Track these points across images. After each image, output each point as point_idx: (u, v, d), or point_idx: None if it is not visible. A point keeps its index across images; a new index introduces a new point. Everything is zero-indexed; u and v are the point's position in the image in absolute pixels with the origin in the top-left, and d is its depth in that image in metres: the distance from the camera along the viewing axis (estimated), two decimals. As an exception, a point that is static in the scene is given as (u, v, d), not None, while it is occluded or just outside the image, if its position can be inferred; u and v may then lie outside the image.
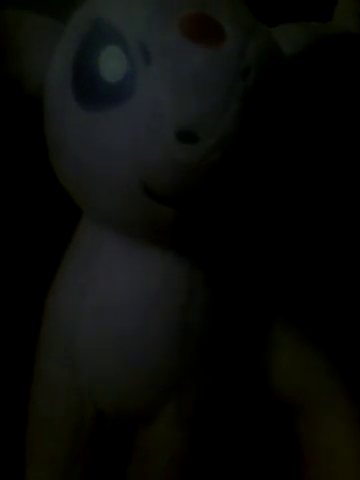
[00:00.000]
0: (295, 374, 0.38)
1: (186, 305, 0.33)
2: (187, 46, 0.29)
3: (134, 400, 0.34)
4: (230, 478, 0.39)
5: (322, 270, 0.46)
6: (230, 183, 0.29)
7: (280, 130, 0.31)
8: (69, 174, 0.32)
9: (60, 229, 0.37)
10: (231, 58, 0.29)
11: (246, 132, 0.29)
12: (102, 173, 0.30)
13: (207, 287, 0.34)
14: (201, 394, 0.35)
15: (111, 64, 0.29)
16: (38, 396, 0.36)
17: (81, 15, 0.32)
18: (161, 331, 0.33)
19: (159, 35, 0.29)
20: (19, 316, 0.43)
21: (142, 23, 0.29)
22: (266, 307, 0.39)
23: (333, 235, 0.46)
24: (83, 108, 0.30)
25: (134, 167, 0.29)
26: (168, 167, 0.28)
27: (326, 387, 0.39)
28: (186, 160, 0.28)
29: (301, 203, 0.43)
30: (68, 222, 0.36)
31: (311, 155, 0.39)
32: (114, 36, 0.30)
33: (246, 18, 0.32)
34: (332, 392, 0.39)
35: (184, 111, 0.28)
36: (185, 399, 0.35)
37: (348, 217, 0.46)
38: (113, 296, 0.33)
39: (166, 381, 0.34)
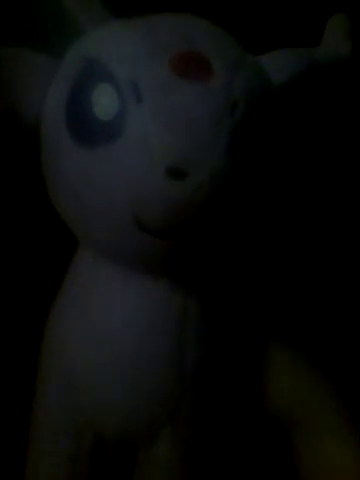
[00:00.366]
0: (291, 392, 0.39)
1: (180, 331, 0.34)
2: (176, 83, 0.30)
3: (132, 424, 0.35)
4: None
5: (316, 292, 0.47)
6: (221, 215, 0.30)
7: (271, 161, 0.32)
8: (65, 206, 0.33)
9: (59, 257, 0.38)
10: (219, 93, 0.30)
11: (236, 165, 0.30)
12: (96, 207, 0.31)
13: (201, 313, 0.35)
14: (197, 415, 0.36)
15: (103, 102, 0.30)
16: (37, 419, 0.37)
17: (74, 54, 0.33)
18: (156, 357, 0.34)
19: (150, 73, 0.30)
20: (19, 341, 0.44)
21: (133, 62, 0.30)
22: (261, 327, 0.40)
23: (327, 259, 0.47)
24: (77, 144, 0.31)
25: (126, 203, 0.30)
26: (159, 203, 0.29)
27: (323, 404, 0.39)
28: (176, 196, 0.29)
29: (293, 228, 0.44)
30: (66, 250, 0.37)
31: (305, 181, 0.40)
32: (106, 75, 0.31)
33: (234, 52, 0.33)
34: (329, 409, 0.39)
35: (173, 148, 0.29)
36: (182, 421, 0.36)
37: (342, 243, 0.47)
38: (109, 324, 0.34)
39: (163, 405, 0.35)
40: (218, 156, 0.29)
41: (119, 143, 0.30)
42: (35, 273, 0.44)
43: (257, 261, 0.42)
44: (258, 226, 0.33)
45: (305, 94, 0.37)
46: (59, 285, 0.37)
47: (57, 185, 0.33)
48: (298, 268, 0.46)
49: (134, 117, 0.30)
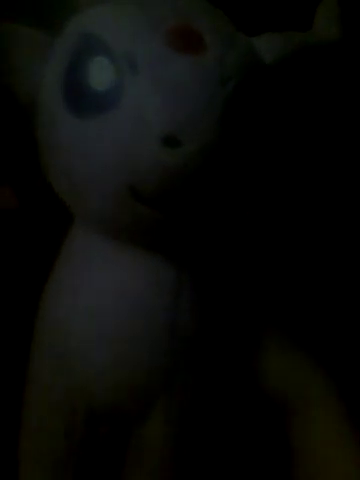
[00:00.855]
0: (286, 374, 0.39)
1: (173, 305, 0.35)
2: (170, 56, 0.31)
3: (125, 399, 0.35)
4: (222, 477, 0.40)
5: (312, 272, 0.47)
6: (214, 187, 0.31)
7: (261, 137, 0.33)
8: (60, 179, 0.34)
9: (53, 232, 0.39)
10: (211, 67, 0.31)
11: (227, 138, 0.30)
12: (91, 178, 0.31)
13: (194, 288, 0.35)
14: (190, 392, 0.36)
15: (99, 74, 0.31)
16: (31, 397, 0.37)
17: (71, 29, 0.34)
18: (148, 330, 0.34)
19: (145, 46, 0.31)
20: (14, 318, 0.44)
21: (128, 35, 0.31)
22: (256, 307, 0.40)
23: (322, 237, 0.47)
24: (73, 115, 0.31)
25: (121, 171, 0.30)
26: (154, 170, 0.30)
27: (317, 387, 0.40)
28: (171, 163, 0.29)
29: (288, 205, 0.44)
30: (61, 225, 0.37)
31: (296, 160, 0.40)
32: (102, 48, 0.31)
33: (227, 29, 0.33)
34: (322, 392, 0.40)
35: (168, 116, 0.29)
36: (175, 397, 0.36)
37: (336, 220, 0.48)
38: (102, 298, 0.34)
39: (156, 379, 0.35)
40: (209, 128, 0.30)
41: (115, 113, 0.30)
42: (30, 251, 0.45)
43: (252, 235, 0.42)
44: (252, 200, 0.34)
45: (295, 76, 0.38)
46: (53, 260, 0.37)
47: (53, 157, 0.33)
48: (294, 247, 0.46)
49: (130, 88, 0.30)
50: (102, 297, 0.34)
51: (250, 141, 0.32)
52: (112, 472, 0.38)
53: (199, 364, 0.37)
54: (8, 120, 0.37)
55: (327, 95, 0.40)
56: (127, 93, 0.30)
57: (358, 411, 0.39)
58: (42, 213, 0.44)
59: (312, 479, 0.38)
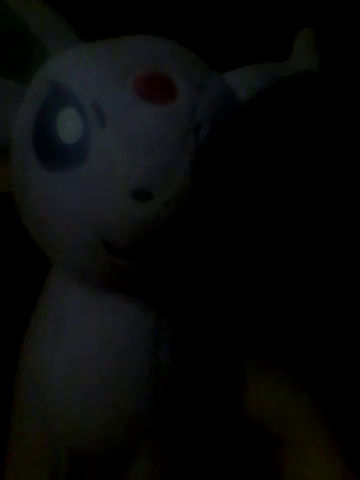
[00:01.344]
0: (272, 404, 0.39)
1: (154, 352, 0.34)
2: (139, 105, 0.30)
3: (109, 445, 0.35)
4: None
5: (292, 299, 0.47)
6: (188, 234, 0.30)
7: (237, 179, 0.32)
8: (34, 230, 0.33)
9: (32, 279, 0.38)
10: (182, 114, 0.30)
11: (200, 185, 0.30)
12: (63, 231, 0.31)
13: (175, 330, 0.35)
14: (176, 430, 0.36)
15: (68, 126, 0.31)
16: (13, 446, 0.37)
17: (40, 78, 0.33)
18: (130, 378, 0.34)
19: (113, 96, 0.30)
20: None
21: (96, 85, 0.31)
22: (238, 339, 0.40)
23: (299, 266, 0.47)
24: (44, 168, 0.31)
25: (93, 226, 0.30)
26: (125, 224, 0.29)
27: (304, 417, 0.39)
28: (142, 216, 0.29)
29: (266, 241, 0.44)
30: (40, 272, 0.37)
31: (276, 196, 0.40)
32: (70, 99, 0.31)
33: (198, 72, 0.33)
34: (310, 422, 0.39)
35: (137, 170, 0.29)
36: (160, 439, 0.36)
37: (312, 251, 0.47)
38: (83, 346, 0.34)
39: (140, 425, 0.35)
40: (181, 177, 0.29)
41: (84, 167, 0.30)
42: (9, 294, 0.44)
43: (229, 274, 0.42)
44: (225, 241, 0.34)
45: (273, 109, 0.37)
46: (33, 306, 0.37)
47: (25, 209, 0.33)
48: (271, 279, 0.46)
49: (98, 141, 0.30)
50: (81, 346, 0.34)
51: (224, 185, 0.31)
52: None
53: (183, 405, 0.36)
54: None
55: (306, 128, 0.40)
56: (95, 146, 0.30)
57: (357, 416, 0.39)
58: (20, 255, 0.44)
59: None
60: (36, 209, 0.32)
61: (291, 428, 0.39)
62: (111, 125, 0.30)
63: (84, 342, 0.34)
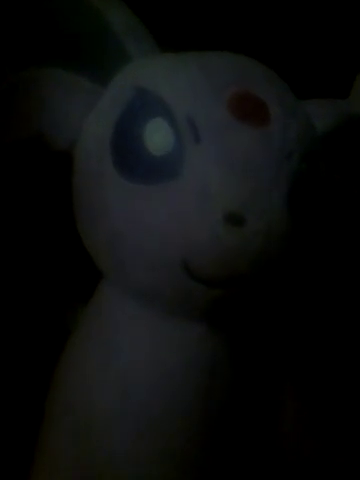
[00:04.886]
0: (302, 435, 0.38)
1: (207, 386, 0.32)
2: (235, 125, 0.28)
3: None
4: None
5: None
6: (276, 265, 0.29)
7: (323, 211, 0.31)
8: (101, 241, 0.31)
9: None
10: (276, 139, 0.29)
11: (293, 215, 0.29)
12: (141, 248, 0.29)
13: (229, 365, 0.33)
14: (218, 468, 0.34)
15: (158, 138, 0.29)
16: (40, 470, 0.34)
17: (123, 81, 0.31)
18: (184, 412, 0.32)
19: (208, 111, 0.29)
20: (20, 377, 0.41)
21: (190, 96, 0.29)
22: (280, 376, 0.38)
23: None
24: (124, 178, 0.29)
25: (176, 245, 0.28)
26: (213, 249, 0.27)
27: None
28: (233, 243, 0.27)
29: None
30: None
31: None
32: (161, 108, 0.29)
33: (290, 98, 0.32)
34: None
35: (233, 193, 0.27)
36: (204, 469, 0.33)
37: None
38: (137, 373, 0.31)
39: (186, 463, 0.32)
40: (276, 205, 0.28)
41: (174, 183, 0.28)
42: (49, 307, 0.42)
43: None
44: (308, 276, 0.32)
45: (348, 146, 0.36)
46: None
47: (95, 219, 0.31)
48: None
49: (192, 157, 0.28)
50: (136, 373, 0.31)
51: (313, 216, 0.30)
52: None
53: (230, 438, 0.34)
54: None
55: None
56: (189, 162, 0.28)
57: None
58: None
59: None
60: (111, 223, 0.29)
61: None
62: (207, 142, 0.28)
63: (138, 369, 0.31)
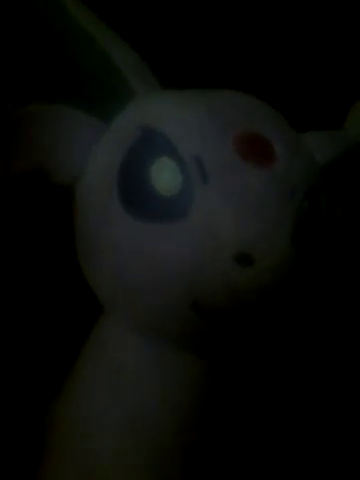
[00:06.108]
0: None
1: (211, 419, 0.32)
2: (242, 165, 0.29)
3: None
4: None
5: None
6: (283, 302, 0.29)
7: (328, 247, 0.32)
8: (105, 280, 0.31)
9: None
10: (282, 179, 0.30)
11: (298, 252, 0.29)
12: (148, 286, 0.29)
13: (230, 397, 0.34)
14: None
15: (165, 177, 0.29)
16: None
17: (129, 119, 0.32)
18: (194, 445, 0.32)
19: (214, 152, 0.29)
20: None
21: (197, 137, 0.29)
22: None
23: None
24: (131, 215, 0.29)
25: (184, 285, 0.28)
26: (222, 288, 0.28)
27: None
28: (241, 282, 0.27)
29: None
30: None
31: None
32: (168, 147, 0.29)
33: (293, 136, 0.32)
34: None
35: (242, 233, 0.28)
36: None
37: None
38: (143, 408, 0.31)
39: None
40: (283, 243, 0.28)
41: (183, 223, 0.28)
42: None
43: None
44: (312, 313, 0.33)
45: (346, 178, 0.37)
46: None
47: (101, 255, 0.31)
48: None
49: (200, 197, 0.28)
50: (142, 409, 0.31)
51: (319, 253, 0.31)
52: None
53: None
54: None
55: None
56: (197, 203, 0.28)
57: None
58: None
59: None
60: (117, 260, 0.30)
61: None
62: (215, 182, 0.29)
63: (144, 404, 0.31)
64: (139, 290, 0.30)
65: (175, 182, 0.29)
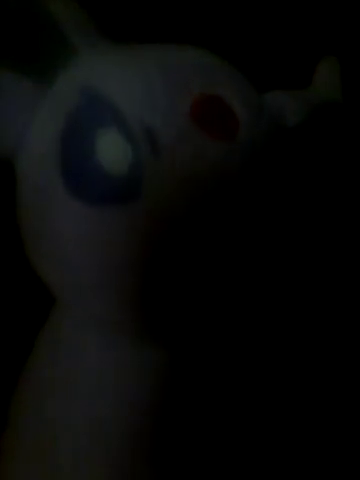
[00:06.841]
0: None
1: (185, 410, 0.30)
2: (201, 138, 0.25)
3: None
4: None
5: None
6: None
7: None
8: (53, 270, 0.27)
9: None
10: (247, 147, 0.26)
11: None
12: (101, 275, 0.26)
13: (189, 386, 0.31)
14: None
15: (111, 152, 0.25)
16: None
17: (70, 81, 0.27)
18: (163, 442, 0.29)
19: (168, 121, 0.25)
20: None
21: (148, 104, 0.26)
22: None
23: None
24: (76, 197, 0.26)
25: (138, 274, 0.25)
26: None
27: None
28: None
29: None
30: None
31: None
32: (114, 116, 0.25)
33: (255, 98, 0.29)
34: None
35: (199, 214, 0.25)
36: None
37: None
38: (103, 404, 0.29)
39: None
40: None
41: (133, 206, 0.25)
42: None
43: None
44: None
45: (314, 138, 0.34)
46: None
47: (45, 244, 0.27)
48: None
49: (151, 176, 0.25)
50: (100, 404, 0.29)
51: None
52: None
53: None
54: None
55: (331, 156, 0.37)
56: (148, 182, 0.25)
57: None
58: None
59: None
60: (63, 249, 0.26)
61: None
62: (168, 158, 0.25)
63: (102, 401, 0.29)
64: (91, 280, 0.26)
65: (124, 158, 0.25)
